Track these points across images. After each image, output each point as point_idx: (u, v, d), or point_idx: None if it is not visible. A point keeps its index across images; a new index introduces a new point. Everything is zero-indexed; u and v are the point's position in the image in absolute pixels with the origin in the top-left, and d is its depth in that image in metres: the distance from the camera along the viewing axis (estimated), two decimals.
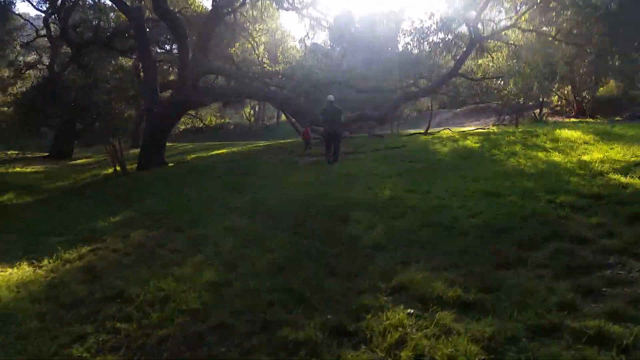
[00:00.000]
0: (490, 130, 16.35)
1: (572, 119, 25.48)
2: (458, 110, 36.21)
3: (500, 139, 12.21)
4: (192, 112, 36.92)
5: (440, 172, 8.47)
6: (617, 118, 23.24)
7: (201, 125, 39.33)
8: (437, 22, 14.61)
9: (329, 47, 35.13)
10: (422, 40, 16.32)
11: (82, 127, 16.25)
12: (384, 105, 14.91)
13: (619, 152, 7.85)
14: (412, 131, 22.21)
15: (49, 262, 5.41)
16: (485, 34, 14.84)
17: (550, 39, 13.82)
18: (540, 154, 8.89)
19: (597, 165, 7.04)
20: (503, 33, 14.75)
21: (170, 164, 18.03)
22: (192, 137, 45.15)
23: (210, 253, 5.08)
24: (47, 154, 26.99)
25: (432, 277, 3.78)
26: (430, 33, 15.50)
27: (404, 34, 19.01)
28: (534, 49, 14.67)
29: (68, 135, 22.05)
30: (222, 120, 44.06)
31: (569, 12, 12.30)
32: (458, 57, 14.78)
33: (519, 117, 18.34)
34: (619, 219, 4.71)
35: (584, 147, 9.15)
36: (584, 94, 27.80)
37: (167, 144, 41.96)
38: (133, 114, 21.20)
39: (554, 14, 12.84)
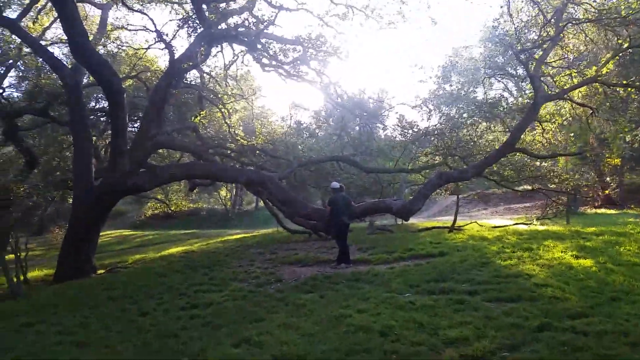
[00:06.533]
0: (548, 228, 11.80)
1: (608, 210, 21.41)
2: (460, 196, 31.96)
3: (604, 249, 7.59)
4: (160, 196, 32.22)
5: None
6: None
7: (169, 210, 33.89)
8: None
9: (314, 127, 31.81)
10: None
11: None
12: (417, 194, 10.22)
13: None
14: (426, 223, 17.45)
15: None
16: (549, 92, 10.65)
17: None
18: None
19: None
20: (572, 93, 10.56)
21: (101, 271, 12.92)
22: (161, 223, 39.90)
23: None
24: None
25: None
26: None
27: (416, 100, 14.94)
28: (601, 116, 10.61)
29: None
30: (194, 205, 38.94)
31: None
32: (515, 125, 10.41)
33: (570, 207, 13.93)
34: None
35: None
36: (608, 180, 24.17)
37: (127, 232, 36.48)
38: None
39: None
